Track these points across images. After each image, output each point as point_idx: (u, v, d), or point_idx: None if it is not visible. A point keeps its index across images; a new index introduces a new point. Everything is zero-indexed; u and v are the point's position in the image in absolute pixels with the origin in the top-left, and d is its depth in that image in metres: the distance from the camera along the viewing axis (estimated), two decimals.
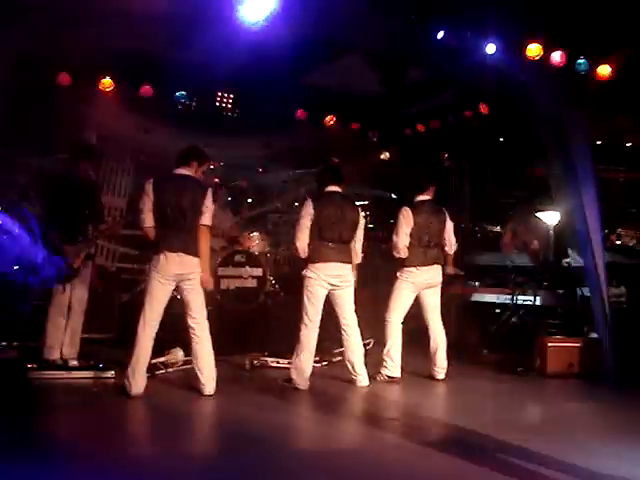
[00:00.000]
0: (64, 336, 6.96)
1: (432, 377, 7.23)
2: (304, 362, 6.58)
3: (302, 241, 6.68)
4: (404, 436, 5.30)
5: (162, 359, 7.08)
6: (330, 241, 6.68)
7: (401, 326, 7.18)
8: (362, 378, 6.80)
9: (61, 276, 6.78)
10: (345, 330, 6.83)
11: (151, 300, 5.99)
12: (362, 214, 7.08)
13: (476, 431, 5.20)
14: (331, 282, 6.68)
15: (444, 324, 7.39)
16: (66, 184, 7.01)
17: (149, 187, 6.05)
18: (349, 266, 6.80)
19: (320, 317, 6.67)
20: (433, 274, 7.23)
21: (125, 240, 10.44)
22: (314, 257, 6.68)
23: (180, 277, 6.00)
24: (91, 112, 9.07)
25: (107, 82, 8.96)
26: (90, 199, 7.12)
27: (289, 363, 6.80)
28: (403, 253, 7.15)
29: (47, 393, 6.14)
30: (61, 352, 6.95)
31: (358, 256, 6.93)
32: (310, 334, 6.63)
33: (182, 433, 5.14)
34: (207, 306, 6.22)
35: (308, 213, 6.69)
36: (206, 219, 6.13)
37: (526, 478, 4.13)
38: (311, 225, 6.67)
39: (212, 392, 6.07)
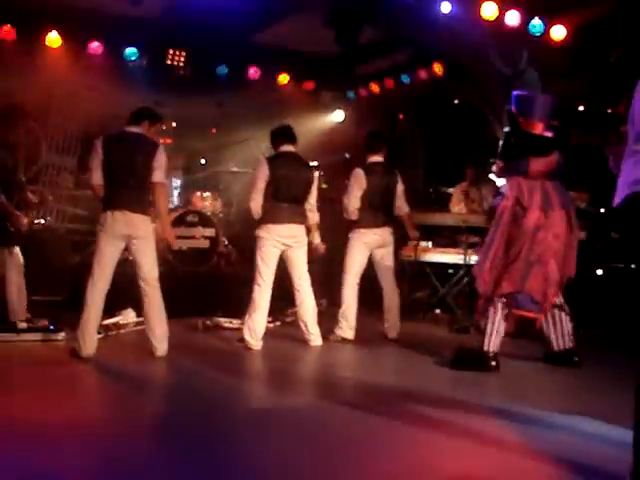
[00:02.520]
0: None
1: (385, 336, 7.29)
2: (257, 322, 6.56)
3: (257, 202, 6.62)
4: (354, 395, 5.33)
5: (113, 320, 7.02)
6: (284, 201, 6.64)
7: (357, 287, 7.21)
8: (315, 338, 6.81)
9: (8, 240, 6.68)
10: (298, 290, 6.82)
11: (99, 260, 5.88)
12: (315, 173, 7.05)
13: (425, 389, 5.26)
14: (284, 242, 6.66)
15: (397, 284, 7.44)
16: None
17: (98, 144, 5.91)
18: (302, 226, 6.78)
19: (273, 277, 6.66)
20: (384, 235, 7.25)
21: (75, 200, 10.27)
22: (267, 218, 6.63)
23: (129, 237, 5.90)
24: (37, 69, 8.83)
25: (54, 38, 8.73)
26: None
27: (242, 323, 6.78)
28: (354, 215, 7.15)
29: None
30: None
31: (315, 215, 6.93)
32: (263, 294, 6.60)
33: (133, 395, 5.09)
34: (159, 267, 6.15)
35: (263, 174, 6.62)
36: (158, 176, 6.00)
37: (469, 433, 4.18)
38: (266, 186, 6.64)
39: (164, 353, 6.02)
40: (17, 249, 6.75)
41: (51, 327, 6.70)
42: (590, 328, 7.19)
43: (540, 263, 5.76)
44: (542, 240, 5.76)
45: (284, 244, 6.66)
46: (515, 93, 6.05)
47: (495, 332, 5.84)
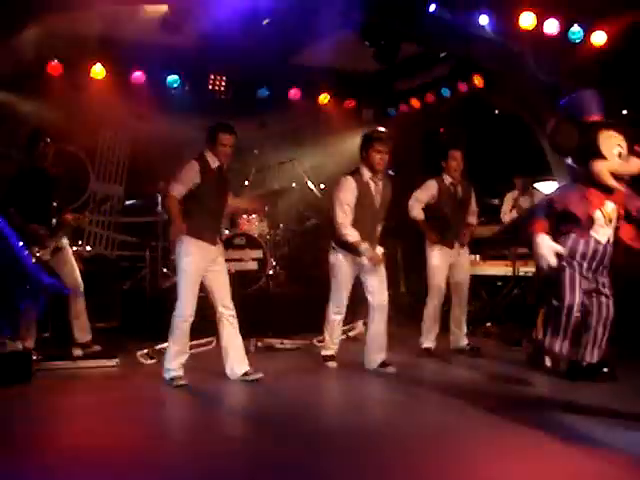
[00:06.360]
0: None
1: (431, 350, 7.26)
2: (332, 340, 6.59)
3: (348, 222, 6.27)
4: (428, 409, 5.29)
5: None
6: (362, 221, 6.34)
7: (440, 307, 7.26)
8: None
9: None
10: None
11: (188, 287, 5.85)
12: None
13: (481, 404, 5.21)
14: (360, 262, 6.38)
15: (446, 299, 7.42)
16: (32, 176, 6.90)
17: (197, 168, 5.96)
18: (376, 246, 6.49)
19: (347, 299, 6.53)
20: (458, 250, 7.32)
21: (124, 227, 10.44)
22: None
23: (210, 265, 5.95)
24: (84, 101, 9.01)
25: (99, 70, 8.91)
26: (56, 189, 7.03)
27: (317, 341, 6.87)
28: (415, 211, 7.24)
29: (57, 383, 6.11)
30: (74, 339, 7.02)
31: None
32: (337, 316, 6.58)
33: (206, 418, 5.13)
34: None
35: (352, 192, 6.28)
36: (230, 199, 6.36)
37: (524, 447, 4.15)
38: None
39: (239, 375, 6.02)
40: None
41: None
42: None
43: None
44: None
45: (359, 264, 6.39)
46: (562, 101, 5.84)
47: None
